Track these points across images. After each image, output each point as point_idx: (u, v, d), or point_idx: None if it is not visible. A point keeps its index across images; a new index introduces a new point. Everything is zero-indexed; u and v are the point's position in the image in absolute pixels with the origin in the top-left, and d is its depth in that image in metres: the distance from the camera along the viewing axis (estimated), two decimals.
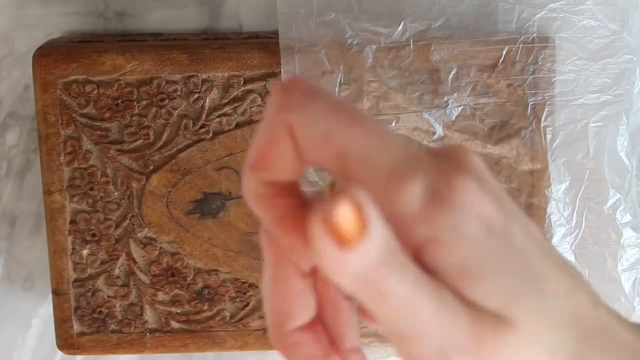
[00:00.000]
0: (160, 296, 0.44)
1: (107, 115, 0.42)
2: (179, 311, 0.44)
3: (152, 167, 0.43)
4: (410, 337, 0.20)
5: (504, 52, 0.42)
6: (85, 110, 0.42)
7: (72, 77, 0.42)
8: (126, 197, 0.43)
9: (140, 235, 0.43)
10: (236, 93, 0.42)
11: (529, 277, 0.21)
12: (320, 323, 0.24)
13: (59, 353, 0.44)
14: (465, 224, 0.20)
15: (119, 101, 0.42)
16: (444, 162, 0.21)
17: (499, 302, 0.21)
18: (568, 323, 0.22)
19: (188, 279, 0.44)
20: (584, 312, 0.22)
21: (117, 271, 0.44)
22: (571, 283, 0.22)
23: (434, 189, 0.20)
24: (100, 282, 0.44)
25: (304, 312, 0.24)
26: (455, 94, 0.42)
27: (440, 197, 0.20)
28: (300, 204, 0.22)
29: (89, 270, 0.44)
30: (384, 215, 0.19)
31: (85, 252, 0.44)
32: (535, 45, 0.42)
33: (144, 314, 0.44)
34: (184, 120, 0.42)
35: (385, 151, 0.20)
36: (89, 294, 0.44)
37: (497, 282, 0.21)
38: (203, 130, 0.42)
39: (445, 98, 0.42)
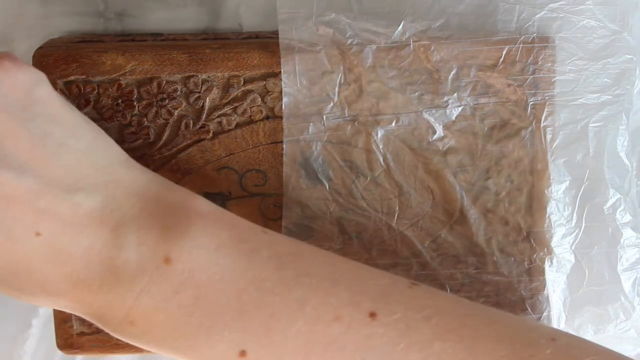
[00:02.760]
0: None
1: (107, 115, 0.42)
2: None
3: (152, 167, 0.43)
4: None
5: (504, 52, 0.42)
6: (85, 111, 0.42)
7: (72, 77, 0.42)
8: None
9: None
10: (236, 93, 0.42)
11: None
12: None
13: (59, 353, 0.44)
14: None
15: (119, 101, 0.42)
16: None
17: None
18: None
19: None
20: None
21: None
22: None
23: None
24: None
25: None
26: (455, 94, 0.42)
27: None
28: None
29: None
30: None
31: None
32: (535, 45, 0.42)
33: None
34: (184, 120, 0.42)
35: None
36: None
37: None
38: (203, 130, 0.42)
39: (445, 98, 0.42)
